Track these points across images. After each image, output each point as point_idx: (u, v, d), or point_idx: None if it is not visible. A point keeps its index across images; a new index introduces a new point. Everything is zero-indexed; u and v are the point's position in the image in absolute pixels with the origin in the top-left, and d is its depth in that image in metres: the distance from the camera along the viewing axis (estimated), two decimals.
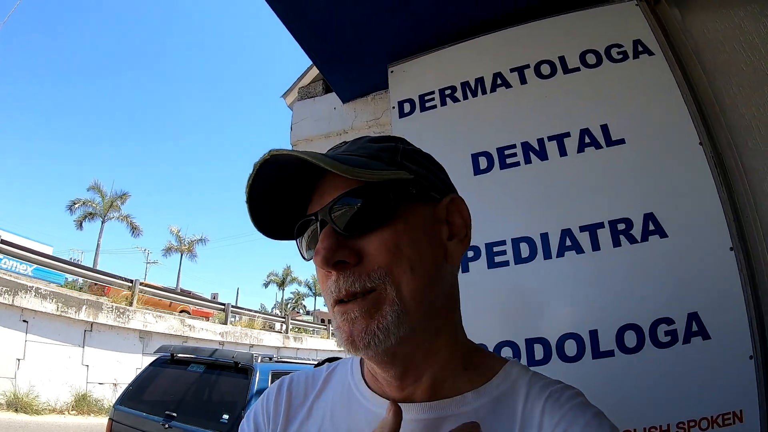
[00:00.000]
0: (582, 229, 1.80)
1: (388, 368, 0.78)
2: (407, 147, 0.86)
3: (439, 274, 0.80)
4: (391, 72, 2.46)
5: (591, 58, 2.05)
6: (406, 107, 2.33)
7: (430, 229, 0.81)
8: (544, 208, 1.89)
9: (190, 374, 6.71)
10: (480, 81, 2.20)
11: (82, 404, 13.75)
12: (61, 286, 16.56)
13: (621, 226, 1.75)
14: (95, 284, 16.91)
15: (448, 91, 2.26)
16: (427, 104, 2.29)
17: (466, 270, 1.89)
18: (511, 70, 2.16)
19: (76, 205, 39.55)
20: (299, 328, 32.67)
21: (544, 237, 1.84)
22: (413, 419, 0.77)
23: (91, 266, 26.55)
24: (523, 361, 1.68)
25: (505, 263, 1.87)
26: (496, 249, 1.89)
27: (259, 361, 6.34)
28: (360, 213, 0.74)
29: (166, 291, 21.62)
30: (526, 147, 1.99)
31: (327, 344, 28.78)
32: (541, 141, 1.98)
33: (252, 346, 20.55)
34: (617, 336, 1.63)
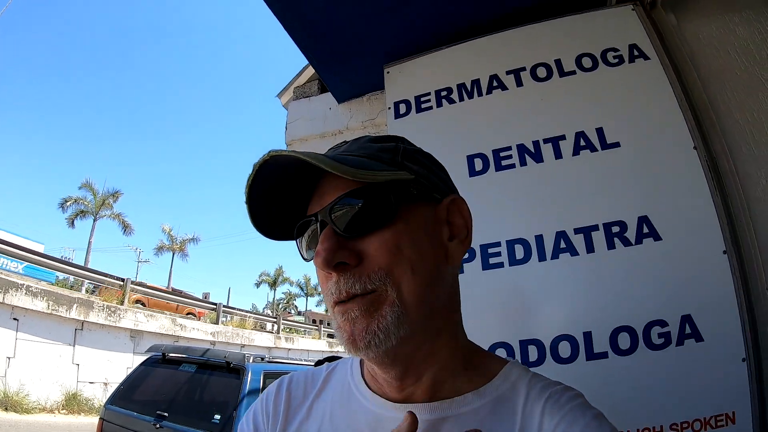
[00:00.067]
0: (577, 231, 1.80)
1: (388, 369, 0.78)
2: (408, 147, 0.85)
3: (439, 275, 0.79)
4: (387, 72, 2.46)
5: (587, 62, 2.06)
6: (402, 108, 2.32)
7: (430, 229, 0.80)
8: (539, 210, 1.90)
9: (182, 374, 6.66)
10: (476, 83, 2.21)
11: (73, 403, 13.67)
12: (52, 284, 16.46)
13: (615, 229, 1.76)
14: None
15: (444, 93, 2.26)
16: (423, 105, 2.29)
17: (460, 271, 1.89)
18: (507, 73, 2.16)
19: (68, 203, 39.35)
20: (290, 329, 32.59)
21: (539, 239, 1.84)
22: None
23: (83, 264, 26.36)
24: None
25: (500, 265, 1.87)
26: (490, 250, 1.89)
27: (251, 361, 6.30)
28: (360, 214, 0.74)
29: (157, 290, 21.52)
30: (522, 149, 2.00)
31: (318, 345, 28.76)
32: (536, 143, 1.98)
33: (243, 346, 20.50)
34: (611, 338, 1.64)
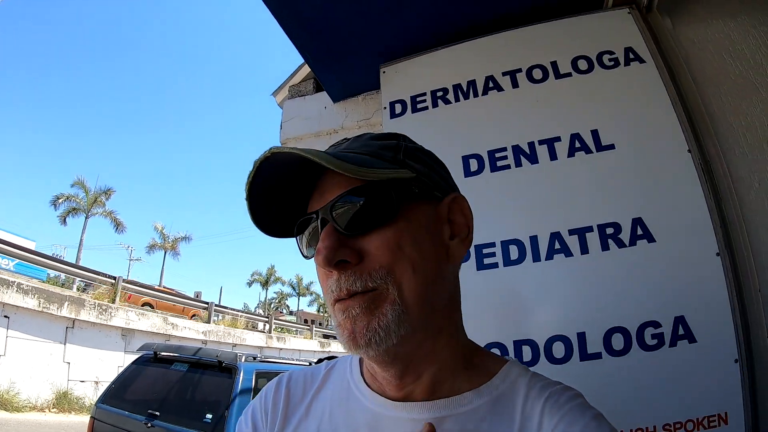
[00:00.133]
0: (571, 232, 1.81)
1: (388, 367, 0.78)
2: (409, 144, 0.85)
3: (440, 274, 0.79)
4: (383, 72, 2.46)
5: (583, 64, 2.07)
6: (398, 108, 2.33)
7: (432, 228, 0.80)
8: (534, 211, 1.90)
9: (174, 373, 6.64)
10: (472, 83, 2.21)
11: (63, 402, 13.62)
12: (43, 281, 16.38)
13: (610, 230, 1.77)
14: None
15: (440, 93, 2.26)
16: (419, 105, 2.29)
17: None
18: (504, 74, 2.17)
19: (60, 200, 39.16)
20: (282, 328, 32.53)
21: (534, 240, 1.85)
22: (412, 418, 0.77)
23: (74, 262, 26.21)
24: None
25: (494, 265, 1.87)
26: (485, 251, 1.89)
27: (243, 360, 6.29)
28: (362, 212, 0.73)
29: (149, 288, 21.46)
30: (517, 150, 2.00)
31: (310, 345, 28.75)
32: (531, 144, 1.99)
33: (235, 345, 20.46)
34: (605, 339, 1.65)
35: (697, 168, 1.76)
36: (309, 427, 0.86)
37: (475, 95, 2.19)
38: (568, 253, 1.79)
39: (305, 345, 28.11)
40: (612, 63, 2.03)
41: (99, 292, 16.07)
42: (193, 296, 36.15)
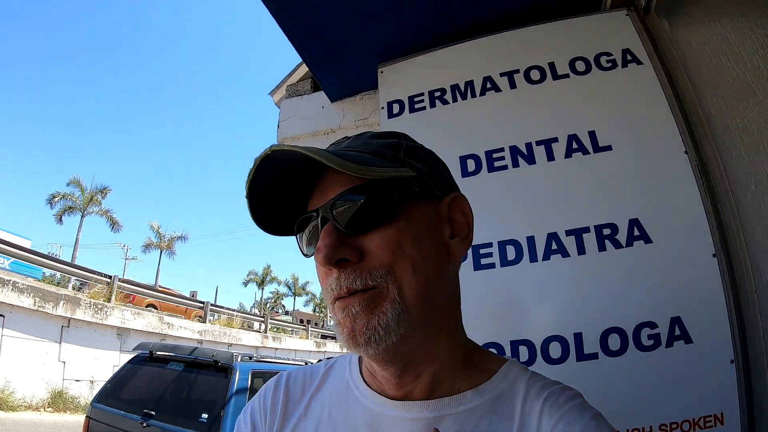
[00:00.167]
0: (568, 233, 1.81)
1: (387, 366, 0.78)
2: (410, 143, 0.85)
3: (441, 273, 0.79)
4: (381, 72, 2.46)
5: (580, 65, 2.07)
6: (395, 108, 2.33)
7: (432, 227, 0.80)
8: (531, 212, 1.91)
9: (169, 372, 6.63)
10: (470, 84, 2.21)
11: (59, 401, 13.56)
12: (39, 280, 16.33)
13: (606, 231, 1.77)
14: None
15: (437, 93, 2.26)
16: (417, 105, 2.29)
17: None
18: (501, 75, 2.17)
19: (56, 199, 39.01)
20: (278, 328, 32.49)
21: (531, 240, 1.85)
22: (411, 417, 0.77)
23: (70, 261, 26.14)
24: None
25: (491, 265, 1.87)
26: (482, 251, 1.90)
27: (239, 360, 6.28)
28: (362, 210, 0.73)
29: (146, 288, 21.43)
30: (514, 151, 2.01)
31: (306, 344, 28.72)
32: (529, 145, 1.99)
33: (231, 345, 20.43)
34: (601, 339, 1.65)
35: (694, 169, 1.77)
36: (308, 426, 0.86)
37: (473, 96, 2.19)
38: (565, 254, 1.79)
39: (301, 345, 28.08)
40: (610, 64, 2.04)
41: (94, 291, 16.03)
42: (188, 296, 36.12)
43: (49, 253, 22.71)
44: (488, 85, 2.18)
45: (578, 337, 1.68)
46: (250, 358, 6.66)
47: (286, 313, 71.23)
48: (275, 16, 2.20)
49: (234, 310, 27.72)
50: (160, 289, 25.72)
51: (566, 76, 2.08)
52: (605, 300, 1.71)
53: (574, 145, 1.93)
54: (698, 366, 1.56)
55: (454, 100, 2.22)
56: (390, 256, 0.73)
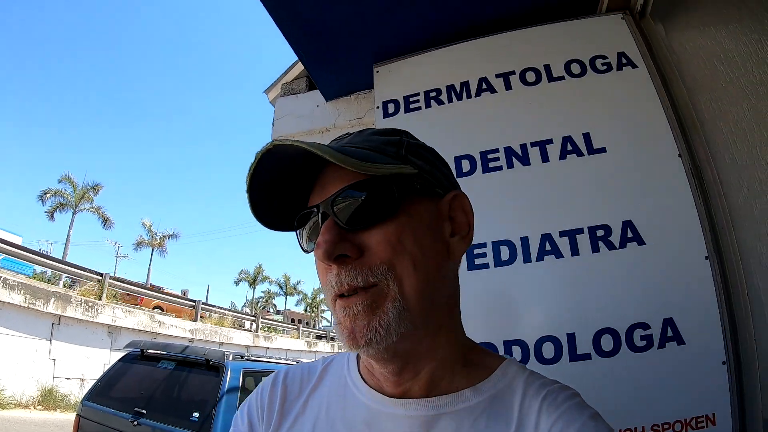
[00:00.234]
0: (562, 234, 1.82)
1: (387, 364, 0.78)
2: (412, 141, 0.85)
3: (441, 271, 0.79)
4: (377, 72, 2.46)
5: (576, 68, 2.08)
6: (391, 108, 2.33)
7: (433, 225, 0.80)
8: (525, 213, 1.92)
9: (161, 371, 6.59)
10: (465, 85, 2.22)
11: (48, 399, 13.46)
12: (30, 277, 16.23)
13: (600, 233, 1.78)
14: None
15: (433, 94, 2.27)
16: (412, 106, 2.30)
17: None
18: (497, 76, 2.18)
19: (48, 195, 38.78)
20: (269, 327, 32.42)
21: (525, 241, 1.86)
22: (409, 415, 0.77)
23: (61, 258, 26.00)
24: None
25: (485, 266, 1.88)
26: (476, 251, 1.90)
27: (230, 359, 6.25)
28: (363, 207, 0.73)
29: (135, 285, 21.35)
30: (509, 152, 2.01)
31: (297, 344, 28.69)
32: (524, 146, 2.00)
33: (222, 344, 20.37)
34: (594, 340, 1.66)
35: (687, 173, 1.78)
36: (305, 423, 0.86)
37: (468, 96, 2.20)
38: (559, 255, 1.80)
39: (292, 344, 28.04)
40: (605, 67, 2.05)
41: (85, 289, 15.94)
42: (180, 294, 36.00)
43: (40, 249, 22.64)
44: (484, 86, 2.19)
45: (571, 337, 1.69)
46: (242, 357, 6.62)
47: (278, 312, 71.06)
48: (273, 14, 2.20)
49: (225, 309, 27.62)
50: (152, 287, 25.66)
51: (562, 78, 2.09)
52: (598, 301, 1.72)
53: (569, 147, 1.94)
54: (690, 367, 1.58)
55: (450, 100, 2.23)
56: (390, 253, 0.72)
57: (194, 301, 23.00)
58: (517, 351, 1.74)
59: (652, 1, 2.04)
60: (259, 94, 3.86)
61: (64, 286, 17.30)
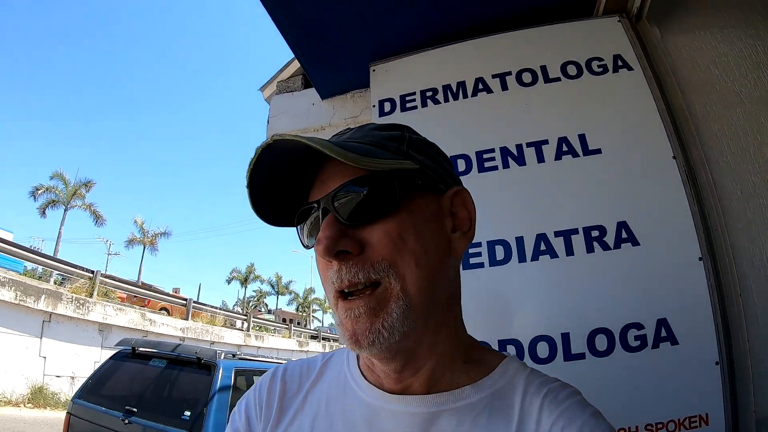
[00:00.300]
0: (557, 234, 1.83)
1: (388, 362, 0.77)
2: (413, 136, 0.84)
3: (442, 267, 0.78)
4: (373, 71, 2.46)
5: (572, 69, 2.09)
6: (387, 106, 2.33)
7: (434, 220, 0.79)
8: (520, 213, 1.92)
9: (152, 369, 6.54)
10: (461, 85, 2.22)
11: (39, 397, 13.38)
12: (21, 274, 16.13)
13: (595, 233, 1.79)
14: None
15: (429, 93, 2.27)
16: (408, 105, 2.29)
17: None
18: (493, 76, 2.18)
19: (40, 192, 38.53)
20: (260, 327, 32.33)
21: (520, 241, 1.86)
22: (410, 412, 0.76)
23: (52, 255, 25.86)
24: None
25: (480, 265, 1.88)
26: (471, 251, 1.90)
27: (222, 357, 6.21)
28: (364, 202, 0.72)
29: (127, 284, 21.28)
30: (505, 152, 2.02)
31: (288, 343, 28.63)
32: (519, 147, 2.00)
33: (213, 342, 20.33)
34: (588, 339, 1.66)
35: (682, 174, 1.79)
36: (305, 420, 0.85)
37: (465, 96, 2.20)
38: (554, 255, 1.80)
39: (283, 344, 27.98)
40: (601, 69, 2.06)
41: (76, 286, 15.85)
42: (171, 292, 35.85)
43: (31, 246, 22.51)
44: (480, 86, 2.19)
45: (566, 337, 1.69)
46: (234, 355, 6.58)
47: (269, 311, 70.88)
48: (270, 13, 2.19)
49: (217, 308, 27.52)
50: (143, 285, 25.60)
51: (558, 79, 2.09)
52: (593, 301, 1.72)
53: (564, 148, 1.95)
54: (684, 367, 1.59)
55: (446, 100, 2.23)
56: (392, 249, 0.72)
57: (185, 299, 22.95)
58: (511, 350, 1.73)
59: (648, 4, 2.05)
60: (254, 92, 3.85)
61: (55, 283, 17.19)
